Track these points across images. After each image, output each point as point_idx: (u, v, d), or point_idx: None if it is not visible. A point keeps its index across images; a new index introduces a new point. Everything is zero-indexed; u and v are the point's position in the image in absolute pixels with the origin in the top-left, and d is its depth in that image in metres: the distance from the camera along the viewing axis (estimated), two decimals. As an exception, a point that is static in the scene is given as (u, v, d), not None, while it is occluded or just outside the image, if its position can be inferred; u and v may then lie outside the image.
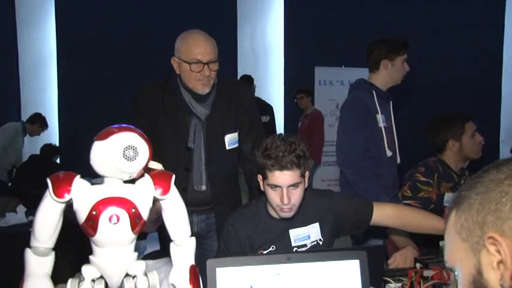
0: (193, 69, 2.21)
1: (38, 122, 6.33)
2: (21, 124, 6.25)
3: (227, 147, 2.36)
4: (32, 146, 7.04)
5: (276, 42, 7.51)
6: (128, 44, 7.36)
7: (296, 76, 7.02)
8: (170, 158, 2.19)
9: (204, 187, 2.30)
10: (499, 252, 0.73)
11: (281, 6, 7.49)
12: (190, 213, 1.20)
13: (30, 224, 3.67)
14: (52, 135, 7.77)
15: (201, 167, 2.30)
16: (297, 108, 6.54)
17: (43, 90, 8.06)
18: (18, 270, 2.20)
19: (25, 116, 7.06)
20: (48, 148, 6.09)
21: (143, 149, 1.05)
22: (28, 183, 5.09)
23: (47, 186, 1.03)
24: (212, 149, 2.32)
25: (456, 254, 0.80)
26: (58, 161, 6.46)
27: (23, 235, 3.25)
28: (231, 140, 2.36)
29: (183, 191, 1.18)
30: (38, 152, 6.12)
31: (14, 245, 3.15)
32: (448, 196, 2.68)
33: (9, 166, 6.10)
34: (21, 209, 3.52)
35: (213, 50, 2.25)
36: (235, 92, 2.41)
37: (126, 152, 1.03)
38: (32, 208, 3.59)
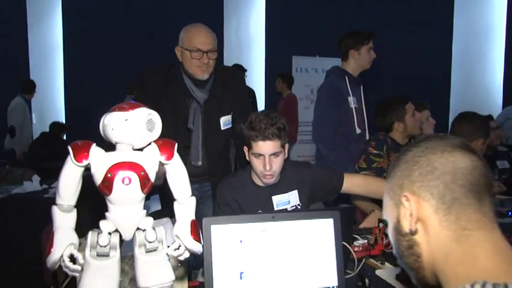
0: (194, 57, 2.18)
1: (31, 87, 6.23)
2: (21, 98, 6.12)
3: (222, 128, 2.34)
4: (41, 124, 6.98)
5: (258, 34, 7.48)
6: (124, 35, 7.45)
7: (276, 64, 7.00)
8: (171, 137, 2.17)
9: (200, 163, 2.30)
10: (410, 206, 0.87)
11: (263, 2, 7.45)
12: None
13: (44, 191, 3.65)
14: (59, 114, 7.70)
15: (198, 145, 2.28)
16: (276, 92, 6.54)
17: (51, 75, 8.08)
18: (35, 228, 2.19)
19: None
20: (56, 126, 6.07)
21: (159, 122, 1.12)
22: (40, 156, 5.05)
23: (68, 153, 1.04)
24: (209, 129, 2.30)
25: (386, 209, 0.96)
26: (65, 137, 6.40)
27: (38, 200, 3.26)
28: (225, 121, 2.35)
29: None
30: (46, 129, 6.06)
31: (30, 209, 3.17)
32: None
33: (28, 139, 6.03)
34: (36, 178, 3.53)
35: (213, 41, 2.22)
36: (230, 79, 2.40)
37: (148, 123, 1.08)
38: (45, 178, 3.59)
